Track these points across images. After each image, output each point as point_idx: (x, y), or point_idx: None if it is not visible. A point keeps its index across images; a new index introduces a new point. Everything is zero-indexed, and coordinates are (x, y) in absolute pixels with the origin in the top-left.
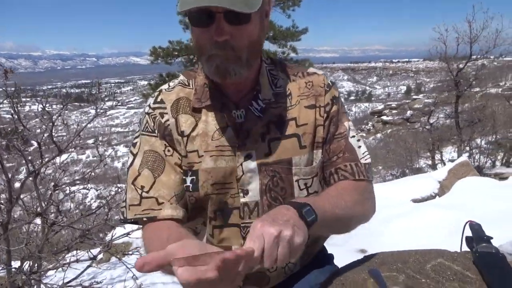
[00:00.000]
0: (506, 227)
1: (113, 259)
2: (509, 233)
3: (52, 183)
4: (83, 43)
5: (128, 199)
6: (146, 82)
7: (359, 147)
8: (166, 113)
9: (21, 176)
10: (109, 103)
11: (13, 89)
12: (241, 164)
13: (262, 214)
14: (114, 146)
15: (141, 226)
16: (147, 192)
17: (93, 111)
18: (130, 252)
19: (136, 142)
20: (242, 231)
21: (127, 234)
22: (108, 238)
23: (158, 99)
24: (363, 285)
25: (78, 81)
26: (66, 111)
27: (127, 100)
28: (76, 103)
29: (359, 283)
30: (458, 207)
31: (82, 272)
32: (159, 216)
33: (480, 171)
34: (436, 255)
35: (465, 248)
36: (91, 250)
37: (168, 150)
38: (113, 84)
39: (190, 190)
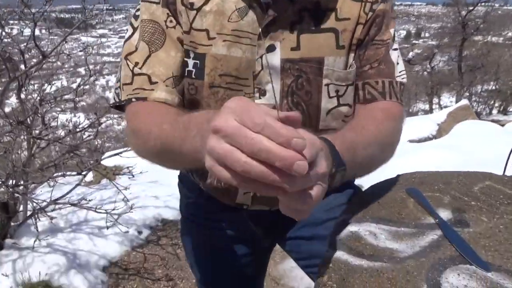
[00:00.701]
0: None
1: (104, 181)
2: None
3: (37, 96)
4: None
5: (122, 77)
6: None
7: (398, 63)
8: None
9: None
10: (100, 31)
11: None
12: (261, 57)
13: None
14: (106, 76)
15: None
16: (140, 68)
17: (84, 38)
18: (122, 173)
19: (138, 14)
20: None
21: (118, 154)
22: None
23: None
24: (402, 204)
25: (68, 6)
26: (56, 37)
27: (119, 29)
28: (67, 29)
29: (397, 202)
30: (457, 149)
31: (71, 190)
32: (150, 98)
33: (477, 117)
34: (483, 177)
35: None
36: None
37: (171, 21)
38: (104, 12)
39: (193, 76)
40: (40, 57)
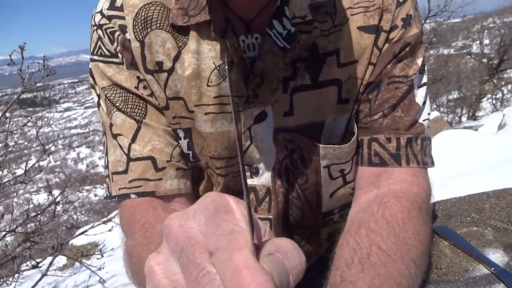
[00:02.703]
0: (504, 174)
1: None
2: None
3: None
4: (29, 45)
5: (111, 163)
6: None
7: (424, 103)
8: (126, 28)
9: None
10: (65, 105)
11: None
12: (249, 128)
13: (276, 208)
14: (76, 148)
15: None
16: (135, 148)
17: (49, 115)
18: (91, 253)
19: (94, 76)
20: None
21: (83, 232)
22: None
23: (117, 2)
24: (437, 251)
25: (28, 86)
26: (20, 118)
27: (83, 100)
28: (31, 108)
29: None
30: (443, 161)
31: (35, 284)
32: (160, 191)
33: (450, 126)
34: None
35: None
36: (46, 258)
37: (144, 88)
38: (66, 85)
39: (191, 159)
40: None
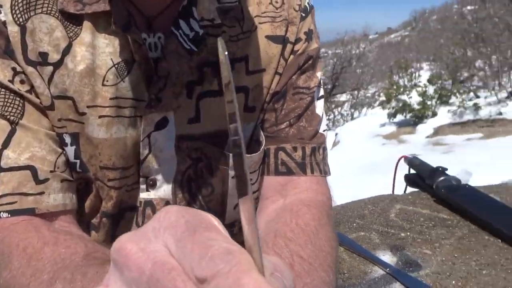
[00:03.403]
0: (344, 187)
1: None
2: (346, 193)
3: None
4: None
5: None
6: None
7: (323, 115)
8: (1, 8)
9: None
10: None
11: None
12: (149, 135)
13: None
14: None
15: None
16: (7, 154)
17: None
18: None
19: None
20: None
21: None
22: None
23: None
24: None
25: None
26: None
27: None
28: None
29: None
30: None
31: None
32: (41, 208)
33: None
34: (389, 202)
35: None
36: None
37: (22, 82)
38: None
39: (78, 169)
40: None
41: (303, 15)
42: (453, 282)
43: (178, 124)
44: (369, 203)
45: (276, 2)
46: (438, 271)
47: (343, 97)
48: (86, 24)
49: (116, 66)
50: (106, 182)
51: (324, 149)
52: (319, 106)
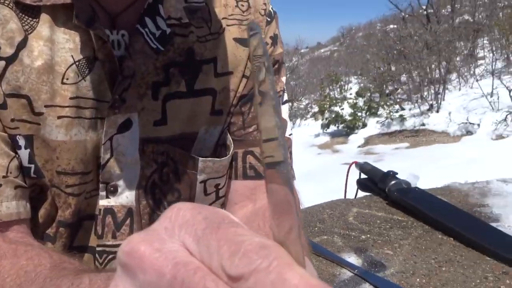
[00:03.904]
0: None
1: None
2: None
3: None
4: None
5: None
6: None
7: (287, 119)
8: None
9: None
10: None
11: None
12: (111, 138)
13: (139, 230)
14: None
15: None
16: None
17: None
18: None
19: None
20: (99, 260)
21: None
22: None
23: None
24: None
25: None
26: None
27: None
28: None
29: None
30: None
31: None
32: None
33: None
34: (346, 206)
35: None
36: None
37: None
38: None
39: (32, 175)
40: None
41: (268, 19)
42: (418, 280)
43: (143, 127)
44: (326, 208)
45: (242, 5)
46: (402, 270)
47: None
48: (44, 17)
49: (77, 63)
50: (63, 189)
51: (291, 153)
52: (285, 110)
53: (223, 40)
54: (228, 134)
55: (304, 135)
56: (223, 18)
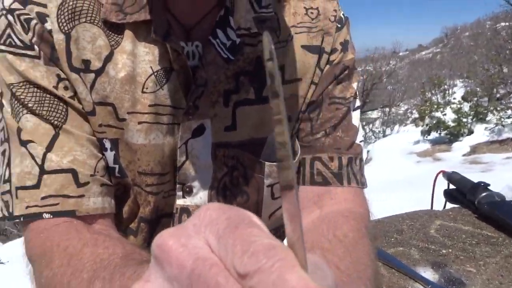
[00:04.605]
0: (376, 204)
1: None
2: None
3: None
4: None
5: (15, 176)
6: None
7: (359, 125)
8: (48, 17)
9: None
10: None
11: None
12: (186, 143)
13: None
14: None
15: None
16: (50, 158)
17: None
18: None
19: None
20: None
21: None
22: None
23: None
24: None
25: None
26: None
27: None
28: None
29: None
30: None
31: None
32: (81, 210)
33: None
34: (428, 217)
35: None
36: None
37: (65, 88)
38: None
39: (117, 174)
40: None
41: (339, 26)
42: None
43: (215, 132)
44: (407, 218)
45: (312, 13)
46: None
47: (374, 114)
48: (127, 33)
49: (155, 74)
50: (144, 188)
51: (361, 160)
52: (355, 116)
53: (291, 48)
54: (296, 140)
55: (403, 142)
56: (291, 26)
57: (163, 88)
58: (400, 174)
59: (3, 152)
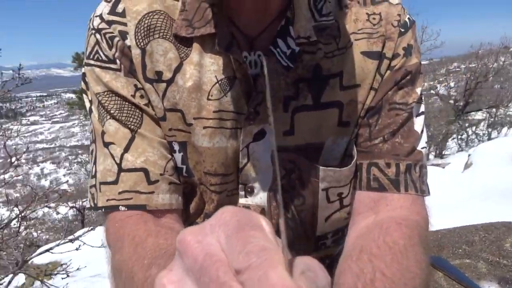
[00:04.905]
0: (471, 211)
1: (38, 283)
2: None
3: None
4: None
5: (99, 173)
6: (70, 95)
7: (422, 132)
8: (127, 35)
9: None
10: (32, 118)
11: None
12: (247, 146)
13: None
14: (40, 164)
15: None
16: (127, 159)
17: (15, 127)
18: (55, 273)
19: (87, 82)
20: None
21: (48, 250)
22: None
23: (118, 8)
24: (433, 281)
25: None
26: None
27: (51, 114)
28: None
29: None
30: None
31: None
32: (150, 205)
33: None
34: (506, 230)
35: None
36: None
37: (141, 97)
38: (34, 98)
39: (184, 174)
40: None
41: (402, 30)
42: None
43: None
44: (480, 230)
45: (374, 18)
46: None
47: (478, 115)
48: (195, 46)
49: (220, 82)
50: (208, 187)
51: (422, 167)
52: (418, 122)
53: (350, 54)
54: (354, 145)
55: (510, 146)
56: (352, 33)
57: (226, 95)
58: (501, 182)
59: (92, 152)
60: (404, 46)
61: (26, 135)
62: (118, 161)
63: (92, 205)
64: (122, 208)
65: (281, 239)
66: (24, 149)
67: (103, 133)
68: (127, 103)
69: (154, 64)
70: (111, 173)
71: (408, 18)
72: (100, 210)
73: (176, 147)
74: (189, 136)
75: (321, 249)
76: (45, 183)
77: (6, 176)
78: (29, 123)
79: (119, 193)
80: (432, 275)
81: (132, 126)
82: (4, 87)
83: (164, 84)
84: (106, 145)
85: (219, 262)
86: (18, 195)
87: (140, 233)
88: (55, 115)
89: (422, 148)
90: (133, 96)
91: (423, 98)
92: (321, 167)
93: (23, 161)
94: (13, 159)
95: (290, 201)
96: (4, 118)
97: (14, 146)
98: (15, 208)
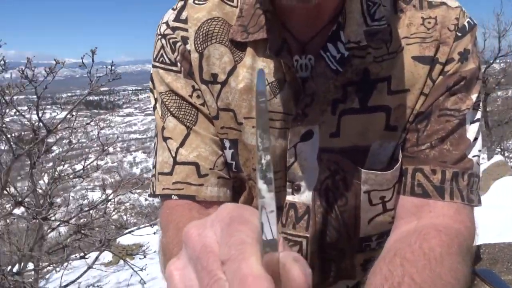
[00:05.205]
0: None
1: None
2: None
3: (45, 174)
4: (100, 52)
5: (158, 164)
6: None
7: (476, 139)
8: (188, 40)
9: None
10: (127, 110)
11: (34, 97)
12: (295, 146)
13: (314, 227)
14: (133, 152)
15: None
16: (181, 153)
17: (111, 117)
18: (135, 253)
19: (153, 81)
20: None
21: (129, 232)
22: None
23: (182, 15)
24: None
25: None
26: (85, 118)
27: (144, 107)
28: (95, 110)
29: None
30: (501, 208)
31: (81, 275)
32: (199, 196)
33: None
34: None
35: None
36: (92, 251)
37: (198, 97)
38: (130, 91)
39: (234, 169)
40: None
41: (459, 34)
42: None
43: (321, 137)
44: None
45: (429, 22)
46: None
47: None
48: (249, 50)
49: (270, 84)
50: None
51: (472, 175)
52: (472, 130)
53: (400, 59)
54: (401, 150)
55: None
56: (404, 38)
57: (276, 97)
58: None
59: (154, 144)
60: (460, 50)
61: (122, 125)
62: (173, 155)
63: (151, 192)
64: (174, 197)
65: (277, 233)
66: (116, 139)
67: (163, 128)
68: (185, 102)
69: (210, 67)
70: (167, 165)
71: (468, 22)
72: (157, 197)
73: (227, 144)
74: (240, 134)
75: (366, 251)
76: (136, 170)
77: (102, 162)
78: (124, 114)
79: (173, 183)
80: (477, 287)
81: (188, 124)
82: (98, 81)
83: (218, 86)
84: (165, 139)
85: (211, 253)
86: (113, 180)
87: (184, 220)
88: (148, 107)
89: (474, 156)
90: (191, 96)
91: (480, 105)
92: (363, 170)
93: (118, 149)
94: (107, 147)
95: (334, 201)
96: (104, 109)
97: (111, 136)
98: (104, 192)
